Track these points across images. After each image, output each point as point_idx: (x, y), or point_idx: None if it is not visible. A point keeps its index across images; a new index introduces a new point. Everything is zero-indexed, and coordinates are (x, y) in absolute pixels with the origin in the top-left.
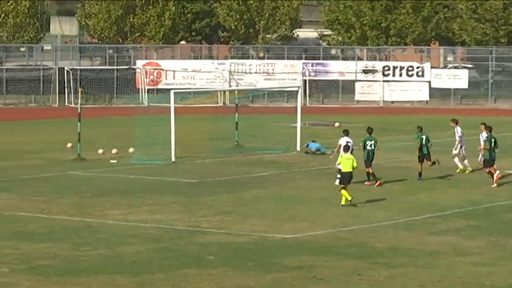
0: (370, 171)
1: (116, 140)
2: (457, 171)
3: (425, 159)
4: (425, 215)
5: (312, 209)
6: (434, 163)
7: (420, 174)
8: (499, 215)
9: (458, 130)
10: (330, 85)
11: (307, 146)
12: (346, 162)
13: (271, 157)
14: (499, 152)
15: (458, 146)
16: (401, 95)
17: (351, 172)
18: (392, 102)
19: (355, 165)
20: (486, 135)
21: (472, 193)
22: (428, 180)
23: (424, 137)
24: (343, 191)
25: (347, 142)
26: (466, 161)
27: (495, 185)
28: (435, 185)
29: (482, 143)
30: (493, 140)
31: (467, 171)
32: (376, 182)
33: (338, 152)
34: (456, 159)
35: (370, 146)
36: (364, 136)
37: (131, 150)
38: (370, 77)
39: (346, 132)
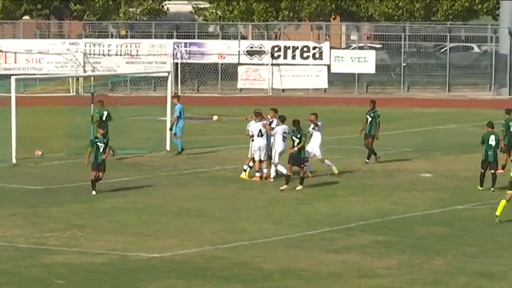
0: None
1: None
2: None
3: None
4: (323, 229)
5: (184, 222)
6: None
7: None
8: (412, 229)
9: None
10: (207, 70)
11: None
12: None
13: (134, 159)
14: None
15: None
16: (294, 82)
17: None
18: (283, 90)
19: None
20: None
21: (380, 201)
22: (327, 186)
23: None
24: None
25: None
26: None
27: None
28: (336, 191)
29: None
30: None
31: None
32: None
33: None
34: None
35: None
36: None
37: None
38: (256, 59)
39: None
